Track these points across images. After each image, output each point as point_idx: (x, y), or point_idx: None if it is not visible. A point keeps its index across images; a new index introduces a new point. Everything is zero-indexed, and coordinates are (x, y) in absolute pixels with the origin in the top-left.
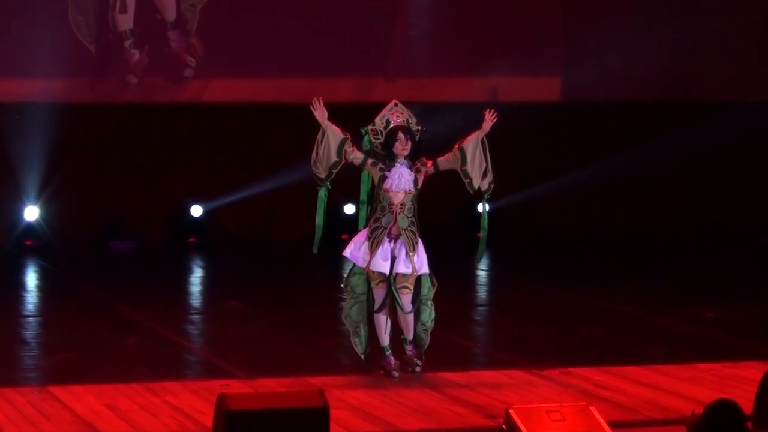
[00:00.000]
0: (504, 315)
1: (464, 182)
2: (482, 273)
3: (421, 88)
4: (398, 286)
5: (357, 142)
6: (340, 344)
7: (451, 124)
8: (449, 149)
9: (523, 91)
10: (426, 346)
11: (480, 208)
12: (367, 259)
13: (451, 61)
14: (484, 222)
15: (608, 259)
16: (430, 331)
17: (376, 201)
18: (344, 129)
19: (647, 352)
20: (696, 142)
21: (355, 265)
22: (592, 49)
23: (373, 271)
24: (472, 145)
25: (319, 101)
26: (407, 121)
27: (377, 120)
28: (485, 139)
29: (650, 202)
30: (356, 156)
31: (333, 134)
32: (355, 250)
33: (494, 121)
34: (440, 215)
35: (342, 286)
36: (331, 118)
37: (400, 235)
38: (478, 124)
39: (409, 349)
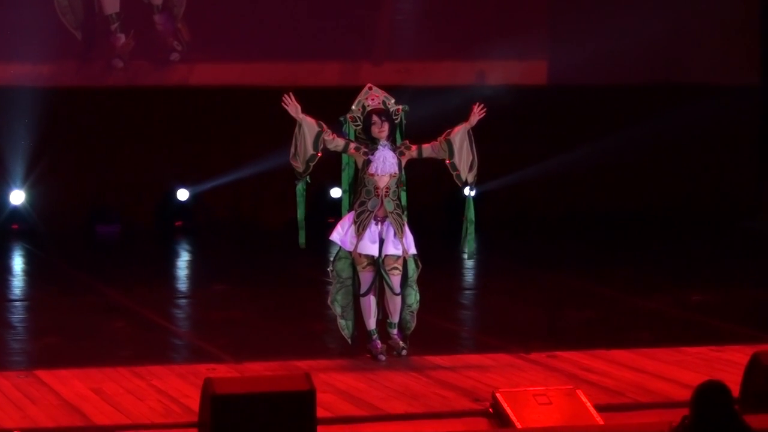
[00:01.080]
0: (491, 298)
1: (452, 174)
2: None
3: (407, 71)
4: (388, 267)
5: (337, 129)
6: (327, 328)
7: (438, 107)
8: (437, 134)
9: (509, 74)
10: (412, 329)
11: (467, 199)
12: (354, 242)
13: (438, 45)
14: (471, 213)
15: (595, 243)
16: (415, 313)
17: (360, 185)
18: (320, 119)
19: (634, 336)
20: (683, 126)
21: (340, 249)
22: (579, 32)
23: (361, 255)
24: (459, 137)
25: (290, 96)
26: (383, 102)
27: (353, 106)
28: (471, 132)
29: (637, 185)
30: (337, 143)
31: (308, 127)
32: (342, 234)
33: (482, 115)
34: (426, 198)
35: (328, 270)
36: (317, 102)
37: (387, 216)
38: (465, 108)
39: (394, 333)
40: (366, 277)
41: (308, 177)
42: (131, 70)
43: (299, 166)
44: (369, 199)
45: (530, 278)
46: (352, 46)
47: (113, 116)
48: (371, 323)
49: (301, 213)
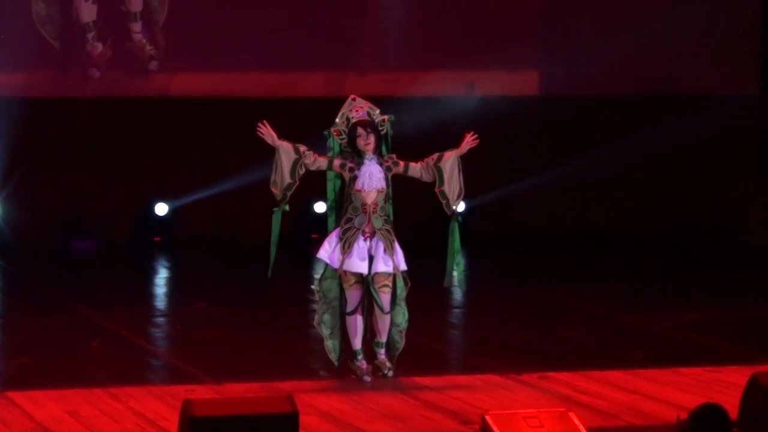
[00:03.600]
0: (480, 317)
1: (441, 202)
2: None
3: (394, 82)
4: (377, 285)
5: (321, 145)
6: (311, 348)
7: (426, 119)
8: (425, 147)
9: (500, 85)
10: (400, 349)
11: (451, 227)
12: (342, 259)
13: (426, 54)
14: (457, 243)
15: (588, 259)
16: (404, 332)
17: (347, 201)
18: (298, 142)
19: (628, 356)
20: (677, 138)
21: (327, 267)
22: (571, 42)
23: (347, 273)
24: (450, 164)
25: (264, 125)
26: (368, 114)
27: (337, 119)
28: (460, 160)
29: (631, 199)
30: (319, 164)
31: (285, 154)
32: (330, 251)
33: (474, 144)
34: (413, 212)
35: (313, 289)
36: (300, 113)
37: (375, 233)
38: (454, 119)
39: (381, 353)
40: (353, 296)
41: (287, 205)
42: (108, 80)
43: (277, 193)
44: (356, 216)
45: (521, 296)
46: (337, 55)
47: (90, 128)
48: (357, 343)
49: (274, 241)
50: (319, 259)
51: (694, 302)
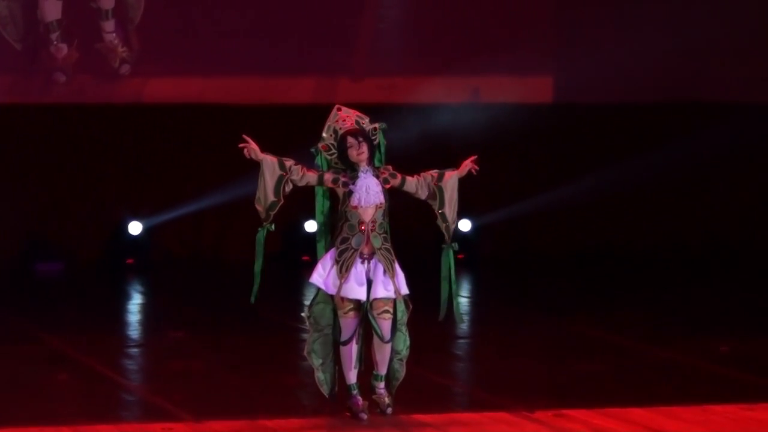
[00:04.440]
0: (487, 348)
1: (440, 226)
2: (463, 300)
3: (391, 88)
4: (377, 312)
5: (309, 162)
6: (300, 381)
7: (426, 129)
8: (424, 159)
9: (509, 91)
10: (401, 380)
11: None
12: (338, 285)
13: (427, 58)
14: (452, 272)
15: (608, 284)
16: (405, 360)
17: (341, 219)
18: (284, 156)
19: (652, 392)
20: (705, 150)
21: (318, 292)
22: (589, 44)
23: (344, 299)
24: (451, 185)
25: (246, 139)
26: (357, 122)
27: (324, 133)
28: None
29: (653, 217)
30: (308, 178)
31: (269, 170)
32: (324, 275)
33: (473, 171)
34: (413, 228)
35: (303, 316)
36: (288, 122)
37: (374, 253)
38: (457, 129)
39: (380, 387)
40: (348, 324)
41: (272, 225)
42: (75, 84)
43: (261, 212)
44: (353, 236)
45: (532, 325)
46: (328, 58)
47: (55, 138)
48: (352, 376)
49: (258, 265)
50: (312, 284)
51: (725, 332)
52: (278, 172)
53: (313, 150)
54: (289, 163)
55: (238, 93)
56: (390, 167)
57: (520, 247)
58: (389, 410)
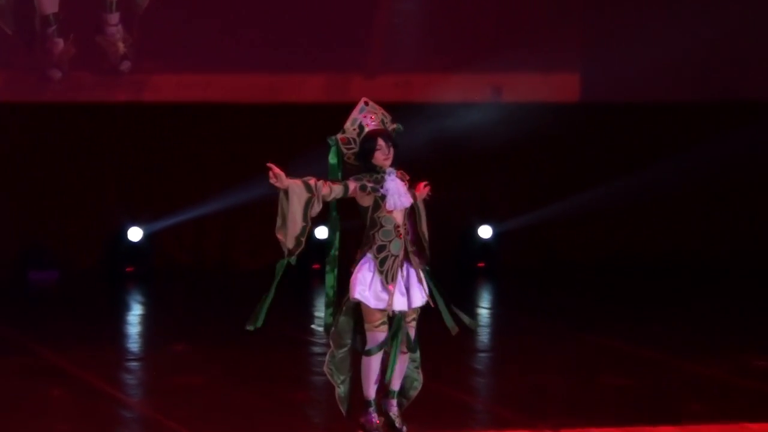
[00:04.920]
0: (509, 362)
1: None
2: (483, 311)
3: (406, 86)
4: (408, 320)
5: (317, 161)
6: (310, 397)
7: (443, 129)
8: (437, 161)
9: (533, 90)
10: (419, 389)
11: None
12: (386, 298)
13: (444, 54)
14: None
15: (637, 294)
16: (420, 367)
17: (374, 227)
18: (308, 177)
19: (684, 409)
20: (741, 151)
21: (344, 306)
22: (619, 39)
23: (376, 311)
24: (423, 205)
25: (272, 168)
26: (382, 122)
27: (347, 125)
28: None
29: (687, 223)
30: (335, 192)
31: (298, 195)
32: (367, 288)
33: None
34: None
35: (318, 330)
36: (297, 121)
37: (404, 260)
38: (477, 130)
39: (394, 404)
40: (377, 337)
41: (295, 258)
42: (72, 81)
43: (287, 242)
44: (389, 242)
45: (557, 337)
46: (340, 54)
47: (50, 138)
48: (372, 391)
49: (271, 293)
50: (356, 300)
51: (761, 346)
52: (306, 195)
53: (330, 140)
54: (312, 181)
55: (245, 91)
56: (401, 170)
57: (544, 255)
58: (405, 429)
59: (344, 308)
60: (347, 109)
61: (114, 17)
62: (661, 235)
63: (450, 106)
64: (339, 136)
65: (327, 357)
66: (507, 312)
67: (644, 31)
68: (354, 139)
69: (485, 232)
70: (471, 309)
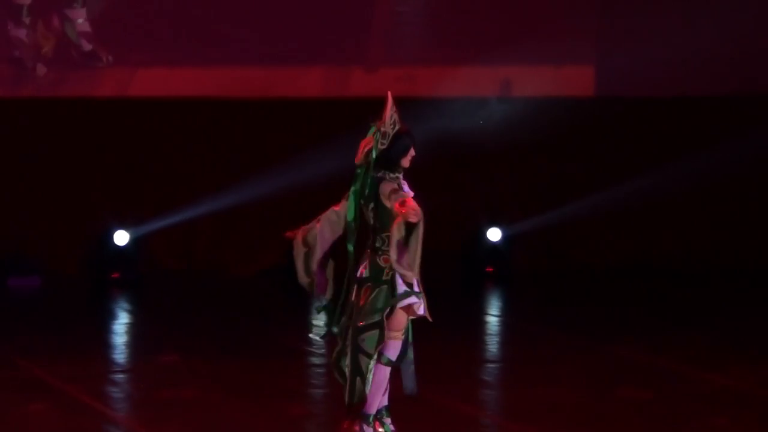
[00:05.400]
0: (520, 374)
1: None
2: (492, 319)
3: (410, 79)
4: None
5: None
6: (308, 412)
7: (449, 126)
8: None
9: (544, 83)
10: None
11: None
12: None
13: (450, 46)
14: None
15: (655, 301)
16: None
17: None
18: (318, 219)
19: (707, 422)
20: (765, 147)
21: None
22: (635, 30)
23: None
24: None
25: (292, 233)
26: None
27: (387, 119)
28: None
29: (708, 225)
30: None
31: (295, 251)
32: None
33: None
34: (439, 243)
35: (317, 338)
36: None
37: None
38: (485, 127)
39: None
40: (398, 345)
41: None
42: (52, 76)
43: (309, 289)
44: None
45: (570, 347)
46: (339, 46)
47: (30, 136)
48: (382, 400)
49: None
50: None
51: None
52: (302, 250)
53: (372, 126)
54: (317, 226)
55: (238, 85)
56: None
57: (557, 259)
58: None
59: (344, 310)
60: (346, 104)
61: (80, 12)
62: (682, 238)
63: (456, 102)
64: (382, 129)
65: (334, 353)
66: (517, 320)
67: (663, 21)
68: (388, 134)
69: (494, 234)
70: (479, 317)
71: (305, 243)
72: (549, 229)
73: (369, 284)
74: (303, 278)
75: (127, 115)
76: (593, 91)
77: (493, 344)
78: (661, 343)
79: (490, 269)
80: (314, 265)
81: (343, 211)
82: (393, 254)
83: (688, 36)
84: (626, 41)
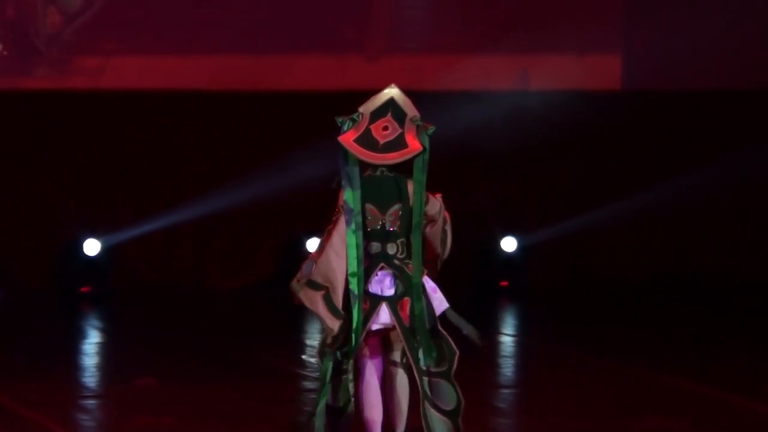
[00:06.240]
0: (538, 400)
1: None
2: (507, 339)
3: (416, 71)
4: None
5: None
6: None
7: (459, 123)
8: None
9: (566, 75)
10: None
11: None
12: None
13: (462, 33)
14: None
15: (689, 317)
16: None
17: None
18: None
19: None
20: None
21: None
22: (665, 18)
23: None
24: None
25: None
26: None
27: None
28: None
29: (748, 232)
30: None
31: (310, 299)
32: None
33: None
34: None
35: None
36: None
37: None
38: (499, 123)
39: None
40: None
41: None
42: (11, 63)
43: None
44: None
45: (595, 371)
46: (338, 33)
47: None
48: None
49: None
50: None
51: None
52: (319, 294)
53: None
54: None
55: (223, 76)
56: None
57: (578, 271)
58: None
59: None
60: (344, 98)
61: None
62: (719, 248)
63: (467, 95)
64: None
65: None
66: (534, 340)
67: (696, 7)
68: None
69: (509, 244)
70: (492, 335)
71: (315, 286)
72: (570, 239)
73: (406, 298)
74: (335, 322)
75: (99, 109)
76: (620, 83)
77: (507, 367)
78: (697, 366)
79: (504, 283)
80: (341, 299)
81: (343, 227)
82: (439, 247)
83: (727, 22)
84: (657, 28)
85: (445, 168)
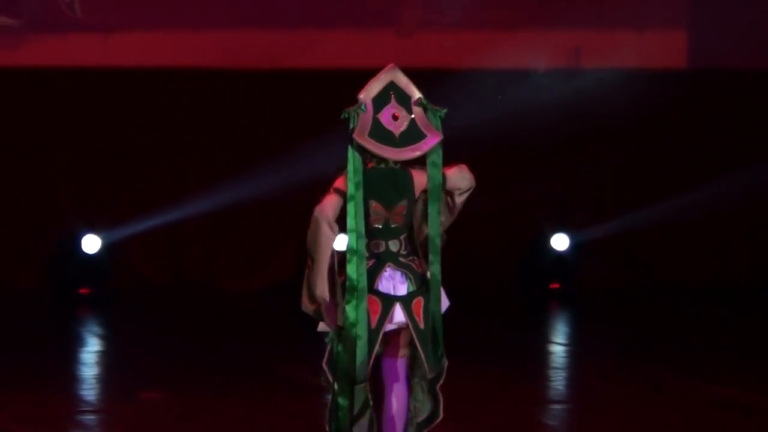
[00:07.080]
0: (591, 418)
1: None
2: (558, 348)
3: (454, 48)
4: None
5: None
6: None
7: (500, 105)
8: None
9: (624, 53)
10: None
11: None
12: None
13: (505, 7)
14: None
15: (760, 326)
16: None
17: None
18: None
19: None
20: None
21: None
22: None
23: None
24: None
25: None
26: None
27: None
28: None
29: None
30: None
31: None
32: None
33: None
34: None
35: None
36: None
37: None
38: (547, 105)
39: None
40: None
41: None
42: (5, 39)
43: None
44: None
45: (655, 384)
46: (367, 7)
47: None
48: None
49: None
50: None
51: None
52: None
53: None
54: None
55: (237, 54)
56: None
57: (637, 273)
58: None
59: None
60: (370, 77)
61: None
62: None
63: (511, 75)
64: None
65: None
66: (588, 350)
67: None
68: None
69: (560, 242)
70: (541, 345)
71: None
72: (627, 236)
73: (419, 297)
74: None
75: (100, 89)
76: (686, 61)
77: (558, 380)
78: None
79: (554, 285)
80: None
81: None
82: (448, 215)
83: None
84: (726, 3)
85: (487, 157)
